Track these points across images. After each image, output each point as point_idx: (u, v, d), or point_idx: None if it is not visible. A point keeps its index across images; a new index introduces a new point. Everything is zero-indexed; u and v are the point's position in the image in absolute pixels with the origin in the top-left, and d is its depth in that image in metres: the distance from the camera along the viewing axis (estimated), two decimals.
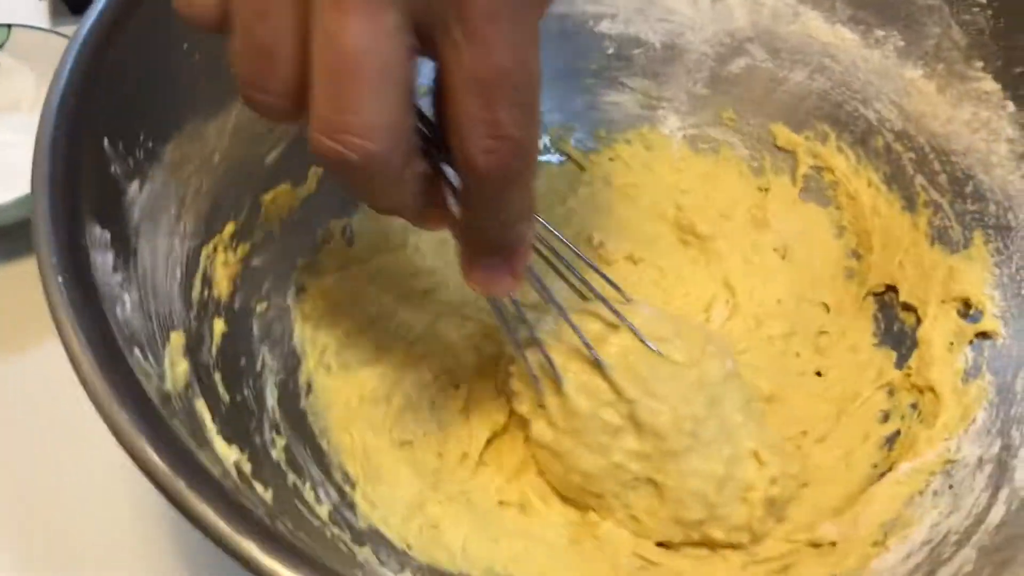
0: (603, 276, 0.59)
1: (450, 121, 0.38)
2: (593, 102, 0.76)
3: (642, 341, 0.55)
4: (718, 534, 0.56)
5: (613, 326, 0.56)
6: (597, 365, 0.55)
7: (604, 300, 0.57)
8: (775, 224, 0.71)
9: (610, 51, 0.75)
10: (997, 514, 0.51)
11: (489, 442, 0.62)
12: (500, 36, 0.36)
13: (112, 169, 0.50)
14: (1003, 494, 0.53)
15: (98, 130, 0.50)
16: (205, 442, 0.47)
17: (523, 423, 0.60)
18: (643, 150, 0.75)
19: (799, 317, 0.68)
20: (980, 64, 0.64)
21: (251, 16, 0.37)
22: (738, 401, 0.57)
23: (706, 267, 0.70)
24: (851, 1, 0.69)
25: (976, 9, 0.63)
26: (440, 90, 0.39)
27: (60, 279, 0.42)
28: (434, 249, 0.67)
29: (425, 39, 0.37)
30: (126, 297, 0.47)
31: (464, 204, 0.43)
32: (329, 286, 0.64)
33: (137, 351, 0.45)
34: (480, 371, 0.64)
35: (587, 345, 0.55)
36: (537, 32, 0.38)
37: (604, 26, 0.74)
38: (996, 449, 0.56)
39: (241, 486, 0.46)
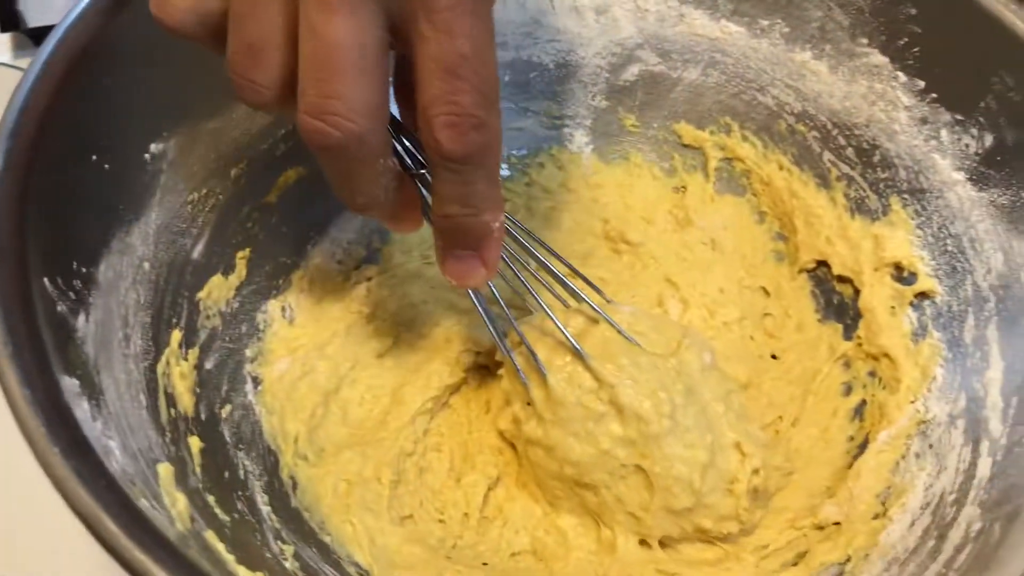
0: (584, 279, 0.61)
1: (418, 105, 0.43)
2: None
3: (621, 333, 0.58)
4: (707, 523, 0.57)
5: (594, 321, 0.59)
6: (580, 357, 0.57)
7: (585, 299, 0.59)
8: (697, 220, 0.73)
9: (506, 79, 0.75)
10: (985, 467, 0.55)
11: (485, 499, 0.61)
12: (461, 27, 0.42)
13: (58, 308, 0.47)
14: (984, 447, 0.56)
15: (39, 271, 0.46)
16: (229, 575, 0.44)
17: (514, 460, 0.62)
18: (556, 170, 0.76)
19: (743, 302, 0.70)
20: (865, 40, 0.67)
21: (241, 14, 0.43)
22: (718, 392, 0.59)
23: (644, 270, 0.71)
24: None
25: None
26: (407, 83, 0.45)
27: (56, 450, 0.39)
28: (375, 313, 0.66)
29: (396, 34, 0.43)
30: (112, 444, 0.44)
31: (434, 193, 0.48)
32: (282, 372, 0.62)
33: (143, 501, 0.42)
34: (453, 426, 0.64)
35: (568, 338, 0.57)
36: (492, 27, 0.44)
37: (496, 55, 0.73)
38: (963, 403, 0.59)
39: None
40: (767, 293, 0.71)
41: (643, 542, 0.58)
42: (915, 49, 0.65)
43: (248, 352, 0.62)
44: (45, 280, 0.47)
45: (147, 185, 0.57)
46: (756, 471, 0.58)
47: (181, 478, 0.49)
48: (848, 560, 0.55)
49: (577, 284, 0.61)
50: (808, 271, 0.71)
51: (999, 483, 0.53)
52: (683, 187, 0.75)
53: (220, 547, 0.46)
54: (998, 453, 0.55)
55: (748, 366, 0.66)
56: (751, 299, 0.70)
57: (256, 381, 0.61)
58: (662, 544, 0.59)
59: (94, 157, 0.53)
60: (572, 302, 0.61)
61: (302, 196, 0.68)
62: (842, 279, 0.69)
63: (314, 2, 0.41)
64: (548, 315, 0.57)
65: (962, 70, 0.63)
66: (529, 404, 0.58)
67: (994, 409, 0.57)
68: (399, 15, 0.42)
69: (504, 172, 0.76)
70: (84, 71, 0.52)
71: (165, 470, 0.48)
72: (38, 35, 0.87)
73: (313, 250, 0.69)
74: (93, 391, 0.46)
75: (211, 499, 0.50)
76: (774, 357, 0.68)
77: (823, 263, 0.70)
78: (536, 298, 0.57)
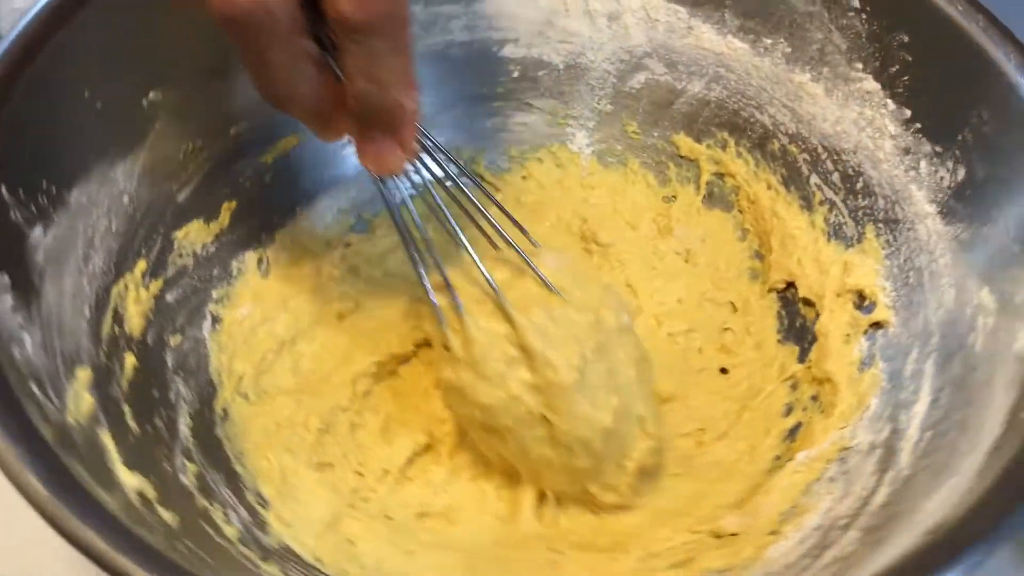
0: (514, 222, 0.62)
1: None
2: (503, 124, 0.78)
3: (544, 283, 0.58)
4: (594, 487, 0.59)
5: (519, 271, 0.59)
6: (500, 304, 0.58)
7: (515, 245, 0.60)
8: (678, 231, 0.73)
9: (515, 74, 0.77)
10: (881, 495, 0.53)
11: (411, 461, 0.63)
12: None
13: (11, 215, 0.52)
14: (888, 476, 0.54)
15: None
16: (107, 472, 0.48)
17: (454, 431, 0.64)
18: (554, 167, 0.78)
19: (700, 315, 0.70)
20: (860, 66, 0.66)
21: None
22: (631, 355, 0.60)
23: (609, 272, 0.72)
24: (739, 12, 0.71)
25: (851, 14, 0.66)
26: None
27: None
28: (345, 277, 0.69)
29: None
30: (26, 337, 0.49)
31: (343, 70, 0.47)
32: (244, 316, 0.66)
33: (35, 386, 0.47)
34: (398, 394, 0.66)
35: (488, 280, 0.57)
36: None
37: (508, 51, 0.76)
38: (886, 434, 0.58)
39: (143, 512, 0.47)
40: (735, 308, 0.71)
41: (543, 507, 0.60)
42: (905, 77, 0.64)
43: (214, 293, 0.66)
44: (2, 188, 0.52)
45: (140, 129, 0.62)
46: (653, 451, 0.60)
47: (101, 384, 0.53)
48: (730, 569, 0.55)
49: (508, 230, 0.62)
50: (778, 291, 0.70)
51: (884, 512, 0.52)
52: (673, 197, 0.76)
53: (111, 445, 0.50)
54: (896, 484, 0.53)
55: (677, 380, 0.67)
56: (711, 312, 0.70)
57: (216, 320, 0.66)
58: (558, 502, 0.60)
59: (87, 93, 0.59)
60: (503, 246, 0.62)
61: (299, 162, 0.72)
62: (807, 302, 0.68)
63: None
64: (473, 259, 0.58)
65: (945, 101, 0.62)
66: (447, 348, 0.59)
67: (909, 442, 0.55)
68: None
69: (504, 164, 0.78)
70: (87, 15, 0.58)
71: (84, 373, 0.52)
72: None
73: (303, 212, 0.73)
74: (27, 290, 0.51)
75: (127, 408, 0.55)
76: (724, 371, 0.68)
77: (792, 284, 0.69)
78: (464, 244, 0.58)
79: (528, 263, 0.59)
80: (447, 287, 0.58)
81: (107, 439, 0.50)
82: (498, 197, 0.76)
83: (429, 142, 0.59)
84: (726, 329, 0.70)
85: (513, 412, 0.57)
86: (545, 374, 0.56)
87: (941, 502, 0.47)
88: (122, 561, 0.40)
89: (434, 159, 0.60)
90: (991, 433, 0.49)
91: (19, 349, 0.48)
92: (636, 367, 0.60)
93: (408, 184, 0.58)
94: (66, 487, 0.42)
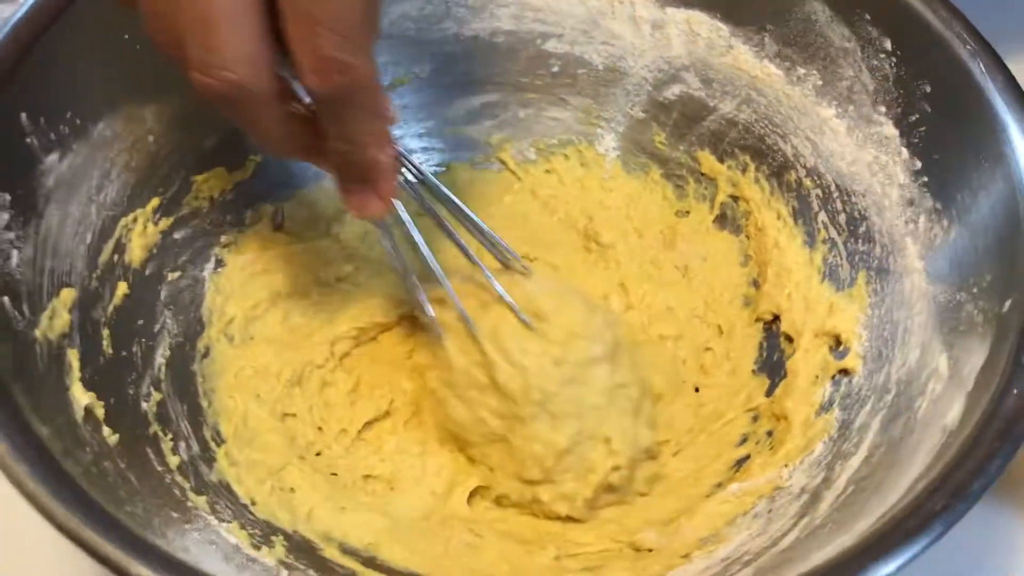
0: (504, 246, 0.65)
1: (288, 49, 0.46)
2: (536, 116, 0.80)
3: (517, 316, 0.61)
4: (545, 496, 0.61)
5: (498, 297, 0.62)
6: (471, 332, 0.62)
7: (490, 277, 0.63)
8: (682, 246, 0.74)
9: (555, 69, 0.78)
10: (788, 540, 0.53)
11: (370, 425, 0.67)
12: None
13: (27, 140, 0.57)
14: (803, 523, 0.54)
15: (15, 106, 0.56)
16: (60, 389, 0.53)
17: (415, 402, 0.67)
18: (578, 165, 0.79)
19: (687, 328, 0.71)
20: (883, 109, 0.65)
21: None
22: (601, 386, 0.62)
23: (604, 270, 0.73)
24: (778, 38, 0.71)
25: (883, 55, 0.65)
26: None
27: None
28: (351, 243, 0.73)
29: None
30: (14, 253, 0.54)
31: (323, 131, 0.51)
32: (247, 262, 0.70)
33: (6, 299, 0.52)
34: (374, 359, 0.69)
35: (464, 314, 0.62)
36: None
37: (551, 45, 0.78)
38: (818, 481, 0.57)
39: (82, 428, 0.52)
40: (720, 331, 0.71)
41: (475, 500, 0.62)
42: (922, 128, 0.63)
43: (223, 238, 0.70)
44: (23, 115, 0.57)
45: (177, 75, 0.67)
46: (616, 468, 0.61)
47: (83, 306, 0.58)
48: None
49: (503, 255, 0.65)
50: (765, 322, 0.70)
51: (784, 555, 0.52)
52: (687, 212, 0.76)
53: (75, 363, 0.55)
54: (805, 532, 0.53)
55: (667, 379, 0.68)
56: (697, 329, 0.71)
57: (219, 262, 0.70)
58: (498, 502, 0.63)
59: (127, 35, 0.63)
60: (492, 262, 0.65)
61: None
62: (788, 338, 0.68)
63: None
64: (447, 291, 0.62)
65: (953, 159, 0.61)
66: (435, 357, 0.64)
67: (833, 492, 0.55)
68: None
69: (531, 156, 0.80)
70: None
71: (68, 293, 0.57)
72: None
73: (326, 176, 0.76)
74: (26, 210, 0.56)
75: (105, 332, 0.59)
76: (696, 390, 0.69)
77: (779, 317, 0.69)
78: (437, 271, 0.62)
79: (503, 297, 0.61)
80: (426, 313, 0.63)
81: (73, 357, 0.55)
82: (515, 187, 0.78)
83: (413, 169, 0.62)
84: (707, 349, 0.70)
85: (479, 430, 0.62)
86: (508, 405, 0.60)
87: (826, 555, 0.47)
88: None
89: (422, 184, 0.63)
90: (892, 499, 0.48)
91: (3, 261, 0.53)
92: (609, 395, 0.62)
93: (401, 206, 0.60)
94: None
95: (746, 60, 0.73)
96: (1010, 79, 0.58)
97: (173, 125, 0.67)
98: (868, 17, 0.65)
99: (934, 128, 0.62)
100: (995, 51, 0.60)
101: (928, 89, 0.62)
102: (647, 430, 0.63)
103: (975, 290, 0.56)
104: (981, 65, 0.59)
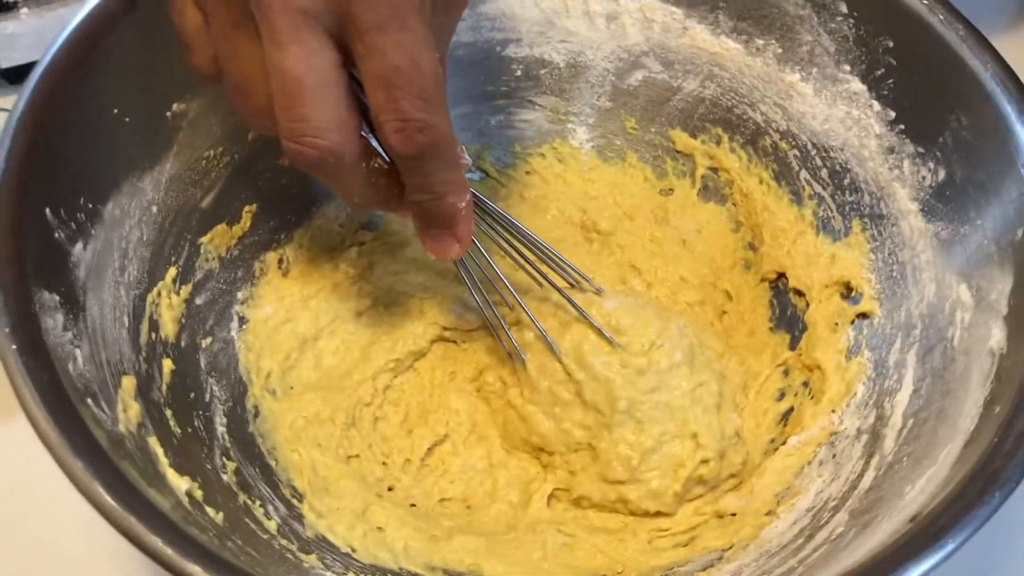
0: (575, 270, 0.68)
1: (372, 115, 0.50)
2: (507, 121, 0.82)
3: (599, 332, 0.65)
4: (632, 495, 0.63)
5: (576, 318, 0.66)
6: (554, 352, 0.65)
7: (568, 299, 0.66)
8: (674, 222, 0.78)
9: (518, 73, 0.80)
10: (868, 479, 0.58)
11: (431, 450, 0.68)
12: (390, 42, 0.47)
13: (56, 235, 0.56)
14: (874, 461, 0.59)
15: (40, 202, 0.55)
16: (158, 476, 0.52)
17: (467, 422, 0.70)
18: (556, 162, 0.81)
19: (704, 294, 0.75)
20: (848, 68, 0.70)
21: (225, 60, 0.51)
22: (685, 388, 0.65)
23: (609, 256, 0.77)
24: (732, 14, 0.74)
25: (840, 18, 0.69)
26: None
27: (14, 347, 0.48)
28: (362, 274, 0.73)
29: (345, 52, 0.48)
30: (77, 353, 0.53)
31: (405, 185, 0.55)
32: (267, 315, 0.70)
33: (90, 401, 0.51)
34: (418, 387, 0.71)
35: (545, 336, 0.65)
36: (424, 33, 0.49)
37: (511, 50, 0.80)
38: (871, 420, 0.62)
39: (193, 512, 0.52)
40: (729, 297, 0.75)
41: (553, 502, 0.65)
42: (890, 80, 0.68)
43: (240, 295, 0.70)
44: (47, 210, 0.55)
45: (166, 139, 0.66)
46: (705, 461, 0.64)
47: (143, 391, 0.57)
48: (730, 547, 0.60)
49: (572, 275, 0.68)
50: (770, 282, 0.74)
51: (871, 495, 0.56)
52: (670, 190, 0.80)
53: (159, 451, 0.54)
54: (882, 468, 0.58)
55: (718, 340, 0.72)
56: (711, 295, 0.75)
57: (242, 320, 0.70)
58: (577, 504, 0.65)
59: (115, 110, 0.62)
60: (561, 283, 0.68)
61: None
62: (798, 292, 0.72)
63: (270, 42, 0.47)
64: (529, 317, 0.65)
65: (927, 105, 0.66)
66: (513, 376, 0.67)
67: (893, 428, 0.60)
68: (340, 38, 0.48)
69: (509, 160, 0.82)
70: (114, 38, 0.61)
71: (128, 382, 0.56)
72: (12, 75, 0.86)
73: (318, 212, 0.76)
74: (73, 307, 0.55)
75: (168, 412, 0.59)
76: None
77: (783, 275, 0.73)
78: (516, 298, 0.65)
79: (584, 316, 0.65)
80: (508, 336, 0.67)
81: (155, 444, 0.55)
82: (501, 192, 0.80)
83: (490, 209, 0.65)
84: (724, 313, 0.74)
85: (564, 441, 0.65)
86: (595, 417, 0.64)
87: (921, 489, 0.52)
88: (185, 564, 0.44)
89: (494, 220, 0.65)
90: (966, 425, 0.53)
91: (73, 365, 0.52)
92: (691, 396, 0.65)
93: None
94: (129, 495, 0.46)
95: (703, 39, 0.76)
96: (971, 27, 0.63)
97: (171, 190, 0.66)
98: None
99: (902, 79, 0.67)
100: (950, 2, 0.65)
101: (890, 44, 0.67)
102: (731, 414, 0.67)
103: (979, 222, 0.61)
104: (940, 16, 0.64)
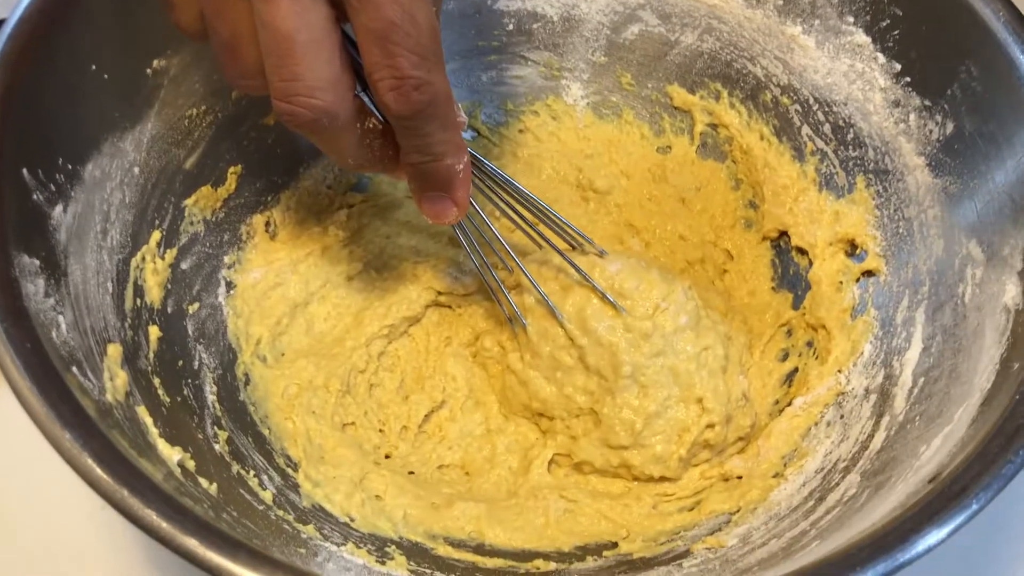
0: (579, 233, 0.66)
1: (365, 72, 0.47)
2: (499, 77, 0.79)
3: (603, 295, 0.63)
4: (635, 460, 0.62)
5: (578, 281, 0.64)
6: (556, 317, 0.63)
7: (571, 262, 0.64)
8: (673, 180, 0.76)
9: (510, 27, 0.78)
10: (879, 440, 0.57)
11: (428, 417, 0.66)
12: None
13: (34, 197, 0.53)
14: (884, 421, 0.58)
15: (16, 162, 0.52)
16: (148, 446, 0.50)
17: (464, 387, 0.68)
18: (550, 119, 0.79)
19: (704, 253, 0.73)
20: (851, 19, 0.68)
21: (212, 18, 0.48)
22: (690, 352, 0.64)
23: (606, 216, 0.75)
24: None
25: None
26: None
27: None
28: (351, 238, 0.71)
29: (338, 7, 0.46)
30: (60, 319, 0.51)
31: (400, 147, 0.52)
32: (256, 280, 0.68)
33: (75, 369, 0.49)
34: (412, 352, 0.69)
35: (547, 301, 0.63)
36: None
37: (502, 4, 0.77)
38: (880, 379, 0.61)
39: (186, 483, 0.50)
40: (730, 256, 0.73)
41: (553, 468, 0.63)
42: (895, 32, 0.66)
43: (226, 259, 0.68)
44: (24, 171, 0.53)
45: (147, 97, 0.63)
46: (711, 426, 0.62)
47: (130, 359, 0.55)
48: (737, 511, 0.58)
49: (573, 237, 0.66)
50: (771, 240, 0.73)
51: (884, 456, 0.55)
52: (668, 147, 0.78)
53: (148, 421, 0.52)
54: (893, 428, 0.57)
55: (721, 299, 0.70)
56: (712, 253, 0.73)
57: (230, 285, 0.67)
58: (578, 469, 0.63)
59: (94, 67, 0.59)
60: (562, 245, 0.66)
61: None
62: (801, 251, 0.71)
63: None
64: (531, 282, 0.63)
65: (935, 56, 0.64)
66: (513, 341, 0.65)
67: (903, 388, 0.59)
68: None
69: (501, 118, 0.80)
70: None
71: (114, 349, 0.54)
72: None
73: (305, 172, 0.74)
74: (55, 271, 0.52)
75: (156, 381, 0.56)
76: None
77: (785, 233, 0.72)
78: (516, 261, 0.63)
79: (587, 280, 0.63)
80: (508, 300, 0.65)
81: (144, 414, 0.52)
82: (494, 151, 0.78)
83: (486, 168, 0.62)
84: (724, 271, 0.72)
85: (566, 406, 0.64)
86: (598, 381, 0.62)
87: (937, 449, 0.50)
88: (183, 538, 0.42)
89: (492, 180, 0.63)
90: (982, 383, 0.52)
91: (56, 332, 0.50)
92: (696, 360, 0.63)
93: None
94: (120, 467, 0.44)
95: None
96: None
97: (152, 151, 0.63)
98: None
99: (908, 30, 0.65)
100: None
101: None
102: (737, 377, 0.65)
103: (990, 176, 0.60)
104: None
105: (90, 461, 0.43)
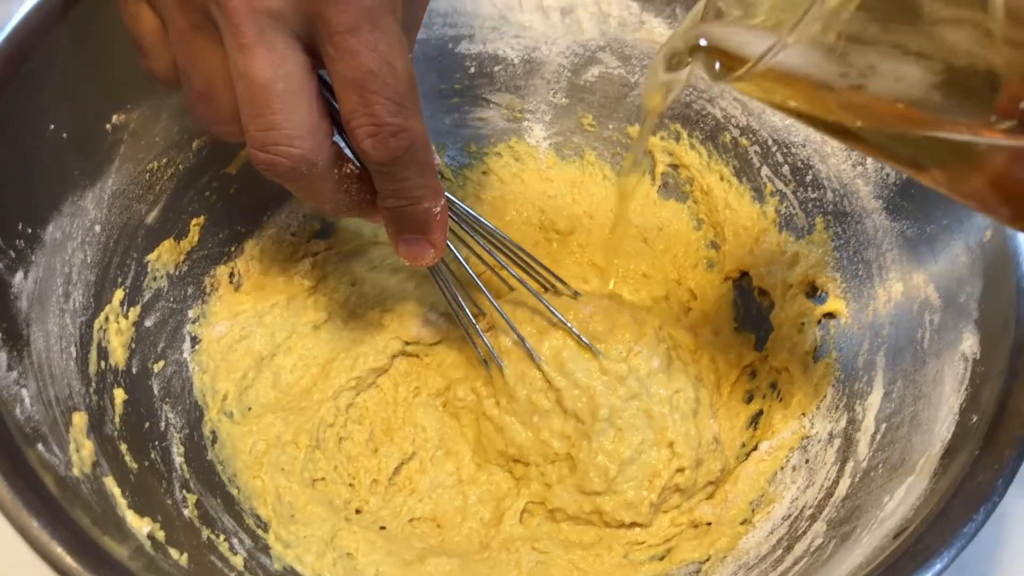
0: (554, 275, 0.67)
1: (343, 119, 0.47)
2: (462, 120, 0.80)
3: (578, 338, 0.64)
4: (607, 506, 0.63)
5: (552, 322, 0.64)
6: (533, 359, 0.64)
7: (548, 305, 0.64)
8: (635, 220, 0.76)
9: (472, 70, 0.78)
10: (843, 486, 0.58)
11: (398, 469, 0.66)
12: (362, 44, 0.44)
13: None
14: (848, 467, 0.59)
15: None
16: (117, 520, 0.50)
17: (434, 438, 0.68)
18: (513, 161, 0.79)
19: (668, 288, 0.74)
20: None
21: (186, 66, 0.48)
22: (663, 395, 0.64)
23: (570, 255, 0.76)
24: (689, 6, 0.73)
25: None
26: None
27: None
28: (316, 287, 0.71)
29: (314, 55, 0.46)
30: (24, 393, 0.50)
31: (377, 191, 0.52)
32: (221, 334, 0.67)
33: (40, 446, 0.48)
34: (381, 403, 0.69)
35: (525, 344, 0.64)
36: (397, 33, 0.46)
37: (463, 47, 0.77)
38: (843, 423, 0.62)
39: (156, 557, 0.49)
40: (693, 295, 0.74)
41: (525, 517, 0.63)
42: None
43: (191, 313, 0.67)
44: None
45: (106, 153, 0.62)
46: (680, 470, 0.63)
47: (96, 426, 0.55)
48: (707, 560, 0.59)
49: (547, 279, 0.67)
50: (733, 280, 0.74)
51: (849, 504, 0.56)
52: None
53: (116, 492, 0.52)
54: (857, 475, 0.58)
55: (689, 336, 0.71)
56: (676, 291, 0.74)
57: (195, 340, 0.67)
58: (551, 516, 0.64)
59: (52, 127, 0.58)
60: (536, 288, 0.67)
61: None
62: (763, 292, 0.72)
63: (234, 46, 0.44)
64: (507, 322, 0.63)
65: None
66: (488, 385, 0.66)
67: (866, 433, 0.60)
68: (310, 40, 0.45)
69: (464, 160, 0.80)
70: (46, 49, 0.57)
71: (79, 418, 0.53)
72: None
73: (269, 220, 0.74)
74: (17, 343, 0.52)
75: (123, 447, 0.56)
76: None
77: (747, 274, 0.73)
78: (493, 303, 0.64)
79: (563, 321, 0.63)
80: (484, 342, 0.65)
81: (112, 485, 0.52)
82: (459, 194, 0.78)
83: (459, 209, 0.63)
84: (689, 310, 0.73)
85: (542, 451, 0.64)
86: (575, 425, 0.62)
87: (900, 501, 0.51)
88: None
89: (466, 224, 0.64)
90: (943, 433, 0.53)
91: (20, 407, 0.49)
92: (669, 403, 0.64)
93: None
94: (84, 547, 0.44)
95: (660, 32, 0.75)
96: None
97: (113, 207, 0.63)
98: None
99: None
100: None
101: None
102: (708, 420, 0.66)
103: (946, 221, 0.61)
104: None
105: (60, 550, 0.43)
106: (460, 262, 0.63)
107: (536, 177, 0.79)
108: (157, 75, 0.51)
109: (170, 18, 0.47)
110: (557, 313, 0.63)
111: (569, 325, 0.63)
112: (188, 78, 0.48)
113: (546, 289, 0.67)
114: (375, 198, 0.54)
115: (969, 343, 0.56)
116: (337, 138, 0.51)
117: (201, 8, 0.45)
